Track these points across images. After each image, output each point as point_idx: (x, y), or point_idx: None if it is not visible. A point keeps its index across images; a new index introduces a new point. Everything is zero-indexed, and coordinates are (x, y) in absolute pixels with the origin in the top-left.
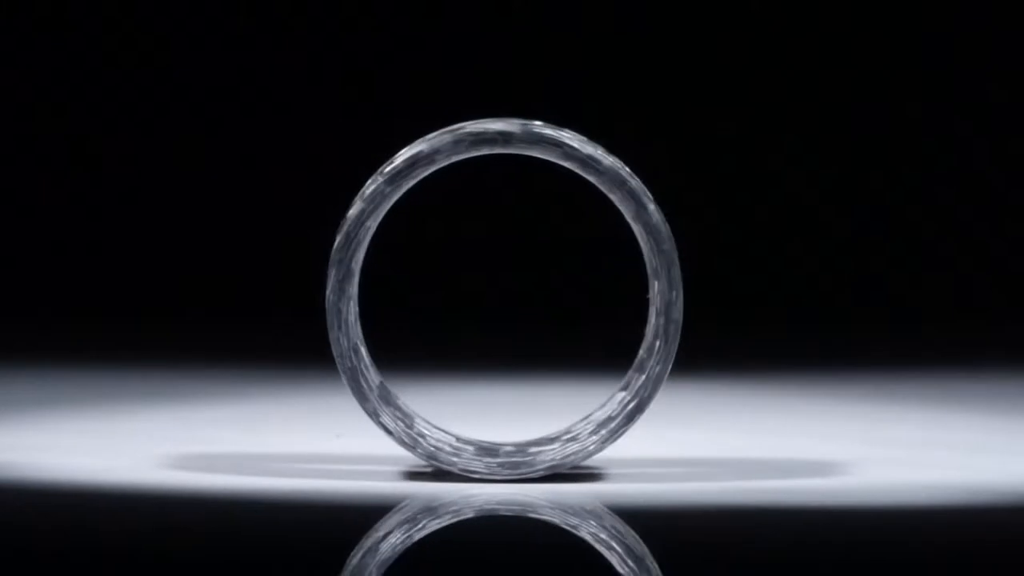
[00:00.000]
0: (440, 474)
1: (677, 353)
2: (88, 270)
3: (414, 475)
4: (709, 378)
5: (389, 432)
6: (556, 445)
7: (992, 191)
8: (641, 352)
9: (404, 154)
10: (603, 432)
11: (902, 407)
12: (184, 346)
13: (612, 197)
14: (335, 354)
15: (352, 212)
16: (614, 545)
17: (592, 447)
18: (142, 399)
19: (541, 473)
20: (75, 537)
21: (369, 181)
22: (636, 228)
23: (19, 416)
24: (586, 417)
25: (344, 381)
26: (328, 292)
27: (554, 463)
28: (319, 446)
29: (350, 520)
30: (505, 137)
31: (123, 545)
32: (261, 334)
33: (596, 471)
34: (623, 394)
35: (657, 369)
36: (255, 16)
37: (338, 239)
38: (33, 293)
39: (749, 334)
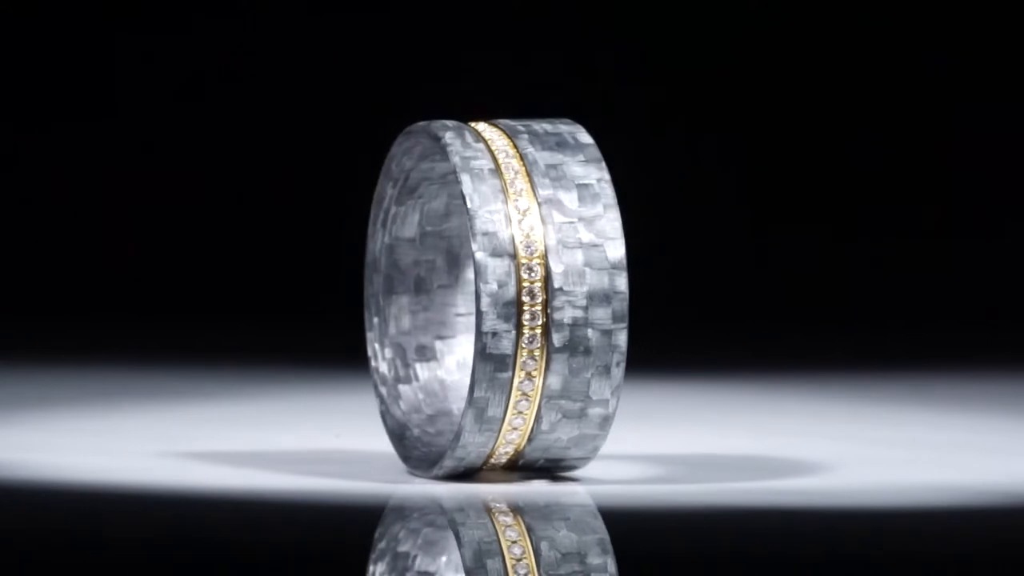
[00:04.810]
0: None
1: (675, 353)
2: (86, 271)
3: (411, 475)
4: (706, 378)
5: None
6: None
7: (992, 191)
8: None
9: None
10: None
11: (900, 407)
12: (182, 346)
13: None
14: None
15: None
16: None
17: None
18: (140, 399)
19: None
20: (71, 536)
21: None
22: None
23: (17, 415)
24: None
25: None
26: None
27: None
28: (319, 445)
29: (346, 520)
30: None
31: (121, 544)
32: (261, 334)
33: (589, 472)
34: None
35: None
36: (256, 17)
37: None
38: (33, 293)
39: (746, 335)
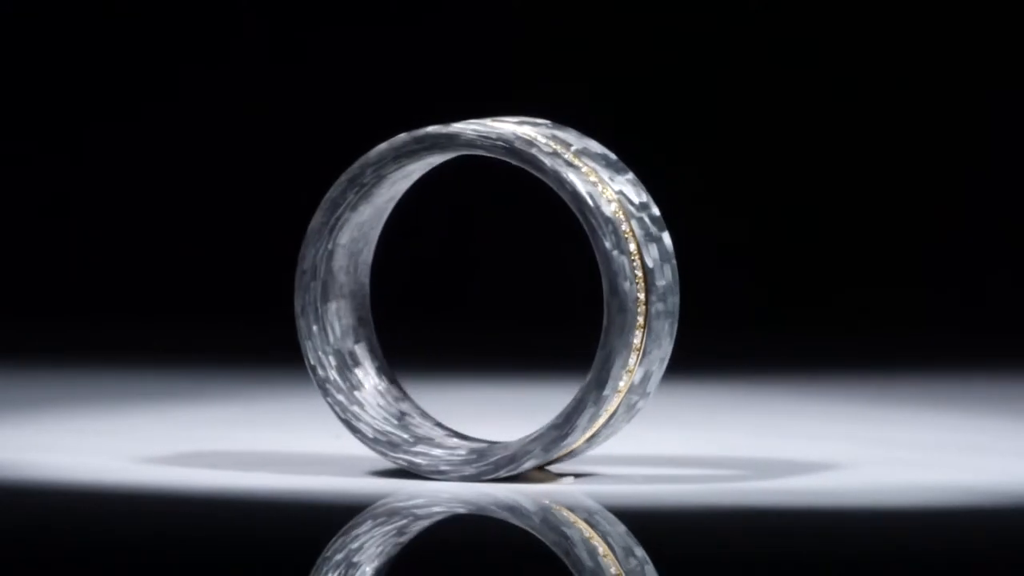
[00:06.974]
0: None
1: (678, 353)
2: (83, 271)
3: (398, 474)
4: (708, 378)
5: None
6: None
7: (993, 192)
8: None
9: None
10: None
11: (902, 407)
12: (182, 347)
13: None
14: None
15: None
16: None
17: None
18: (140, 399)
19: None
20: (70, 536)
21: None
22: None
23: (16, 416)
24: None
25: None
26: None
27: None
28: (316, 446)
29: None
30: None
31: (120, 544)
32: (261, 334)
33: (593, 471)
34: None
35: None
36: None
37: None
38: (33, 293)
39: (749, 335)
